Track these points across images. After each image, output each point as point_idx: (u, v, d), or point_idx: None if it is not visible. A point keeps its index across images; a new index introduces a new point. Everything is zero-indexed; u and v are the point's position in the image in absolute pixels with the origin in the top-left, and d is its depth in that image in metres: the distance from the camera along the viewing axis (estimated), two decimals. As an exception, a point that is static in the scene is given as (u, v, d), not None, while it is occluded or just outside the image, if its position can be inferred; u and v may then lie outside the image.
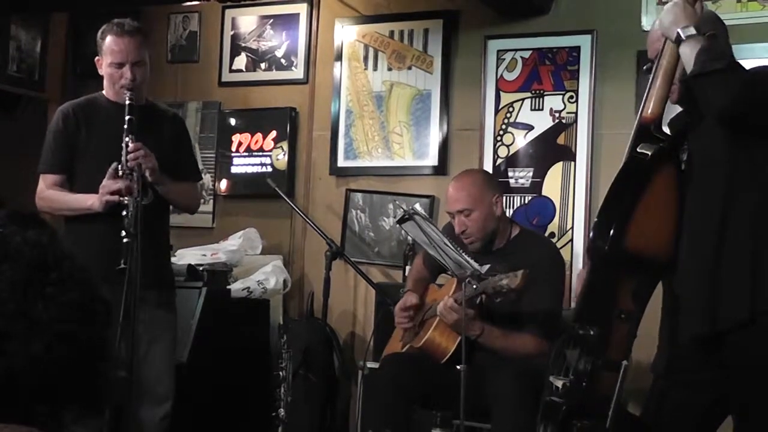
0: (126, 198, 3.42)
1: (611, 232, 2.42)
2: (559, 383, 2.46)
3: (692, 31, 2.41)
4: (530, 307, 3.48)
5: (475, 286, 3.32)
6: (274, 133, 5.42)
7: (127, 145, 3.48)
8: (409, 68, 5.09)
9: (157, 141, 3.64)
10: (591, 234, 2.63)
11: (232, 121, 5.57)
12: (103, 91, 3.74)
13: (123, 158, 3.48)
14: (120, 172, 3.49)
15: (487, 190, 3.72)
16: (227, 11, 5.63)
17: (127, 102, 3.53)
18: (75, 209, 3.63)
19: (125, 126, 3.50)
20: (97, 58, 3.70)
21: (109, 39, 3.63)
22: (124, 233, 3.30)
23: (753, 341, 2.42)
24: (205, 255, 4.88)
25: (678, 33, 2.42)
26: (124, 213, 3.37)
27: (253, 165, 5.47)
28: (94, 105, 3.74)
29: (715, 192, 2.47)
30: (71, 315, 1.19)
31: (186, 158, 3.93)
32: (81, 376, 1.20)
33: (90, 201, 3.55)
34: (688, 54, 2.39)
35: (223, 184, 5.55)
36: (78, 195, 3.64)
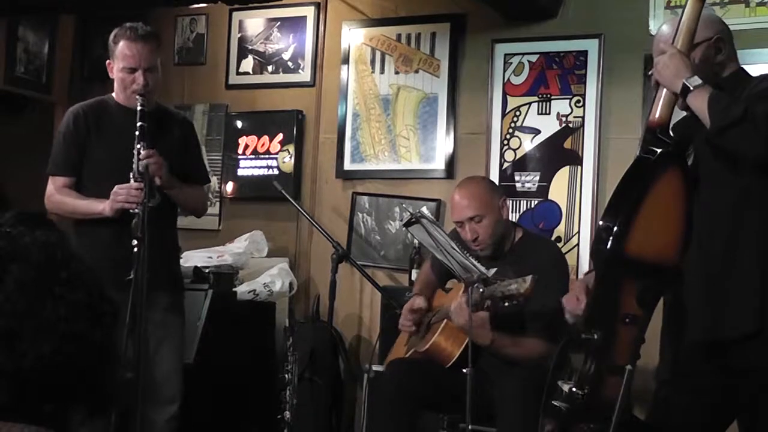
0: (136, 207, 3.41)
1: (612, 235, 2.41)
2: (566, 387, 2.45)
3: (698, 80, 2.40)
4: (537, 310, 3.47)
5: (482, 290, 3.31)
6: (280, 136, 5.42)
7: (138, 152, 3.47)
8: (416, 72, 5.09)
9: (167, 144, 3.64)
10: (594, 237, 2.63)
11: (239, 124, 5.57)
12: (113, 94, 3.74)
13: (135, 165, 3.48)
14: (132, 180, 3.48)
15: (494, 194, 3.72)
16: (234, 14, 5.64)
17: (139, 108, 3.52)
18: (85, 213, 3.63)
19: (137, 133, 3.49)
20: (108, 61, 3.69)
21: (122, 44, 3.61)
22: (135, 242, 3.30)
23: (758, 349, 2.42)
24: (211, 257, 4.88)
25: (684, 84, 2.41)
26: (135, 221, 3.37)
27: (259, 167, 5.47)
28: (104, 108, 3.74)
29: (723, 195, 2.46)
30: (79, 314, 1.20)
31: (195, 161, 3.95)
32: (88, 375, 1.21)
33: (101, 206, 3.55)
34: (700, 105, 2.38)
35: (230, 187, 5.55)
36: (88, 200, 3.63)
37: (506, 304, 3.27)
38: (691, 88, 2.40)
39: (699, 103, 2.39)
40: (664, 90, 2.49)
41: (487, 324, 3.40)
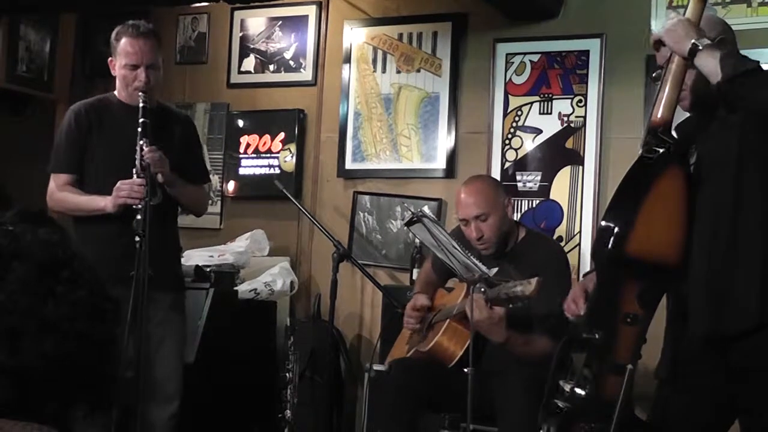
0: (139, 202, 3.42)
1: (613, 235, 2.41)
2: (567, 387, 2.45)
3: (707, 40, 2.39)
4: (541, 309, 3.47)
5: (483, 290, 3.31)
6: (282, 135, 5.42)
7: (141, 149, 3.48)
8: (418, 71, 5.09)
9: (168, 143, 3.65)
10: (595, 237, 2.63)
11: (240, 123, 5.57)
12: (115, 92, 3.75)
13: (137, 162, 3.49)
14: (135, 176, 3.49)
15: (499, 193, 3.72)
16: (236, 13, 5.64)
17: (141, 105, 3.54)
18: (87, 210, 3.63)
19: (139, 129, 3.50)
20: (110, 59, 3.71)
21: (123, 41, 3.63)
22: (138, 239, 3.31)
23: (759, 346, 2.42)
24: (212, 256, 4.88)
25: (693, 44, 2.39)
26: (138, 217, 3.37)
27: (260, 167, 5.47)
28: (105, 106, 3.75)
29: (725, 194, 2.46)
30: (81, 313, 1.20)
31: (195, 161, 3.95)
32: (90, 374, 1.21)
33: (103, 202, 3.56)
34: (711, 62, 2.35)
35: (231, 186, 5.55)
36: (90, 196, 3.64)
37: (510, 305, 3.27)
38: (701, 47, 2.38)
39: (711, 59, 2.36)
40: (666, 90, 2.48)
41: (504, 321, 3.38)
